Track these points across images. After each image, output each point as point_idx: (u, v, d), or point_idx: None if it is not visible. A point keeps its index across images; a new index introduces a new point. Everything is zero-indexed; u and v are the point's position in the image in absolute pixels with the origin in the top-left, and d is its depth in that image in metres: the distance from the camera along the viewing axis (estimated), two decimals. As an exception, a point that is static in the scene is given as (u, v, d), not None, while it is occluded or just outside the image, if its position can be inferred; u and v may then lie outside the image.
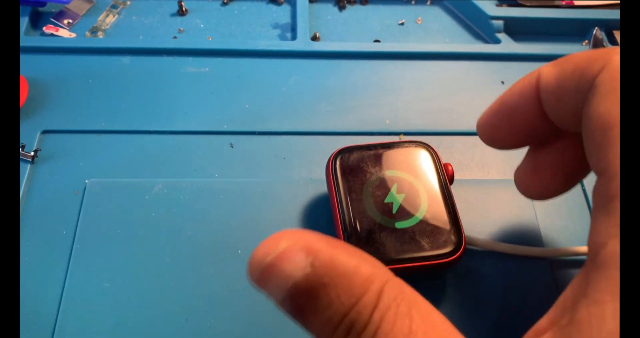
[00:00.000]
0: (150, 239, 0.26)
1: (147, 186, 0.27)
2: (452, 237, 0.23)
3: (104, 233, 0.26)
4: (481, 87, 0.33)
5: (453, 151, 0.30)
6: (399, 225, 0.23)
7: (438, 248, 0.23)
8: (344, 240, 0.23)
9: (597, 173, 0.16)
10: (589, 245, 0.15)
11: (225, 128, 0.30)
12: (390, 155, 0.25)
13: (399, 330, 0.13)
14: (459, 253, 0.23)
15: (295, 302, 0.14)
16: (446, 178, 0.25)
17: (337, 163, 0.25)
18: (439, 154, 0.26)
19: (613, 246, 0.13)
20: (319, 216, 0.27)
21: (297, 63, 0.33)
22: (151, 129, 0.30)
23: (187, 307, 0.24)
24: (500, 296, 0.25)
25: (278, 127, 0.30)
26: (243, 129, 0.30)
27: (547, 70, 0.19)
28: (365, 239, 0.23)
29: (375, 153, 0.25)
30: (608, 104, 0.15)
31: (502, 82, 0.34)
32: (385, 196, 0.24)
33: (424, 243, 0.23)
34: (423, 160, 0.25)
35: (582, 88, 0.17)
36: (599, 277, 0.13)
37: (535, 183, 0.22)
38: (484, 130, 0.22)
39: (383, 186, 0.24)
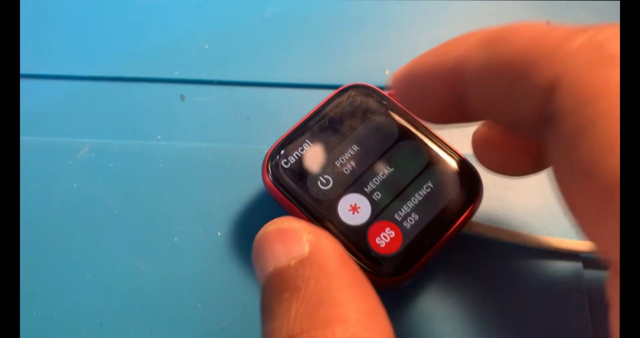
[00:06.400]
0: (68, 217, 0.21)
1: (71, 148, 0.22)
2: (461, 169, 0.18)
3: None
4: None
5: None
6: (403, 198, 0.18)
7: (457, 191, 0.18)
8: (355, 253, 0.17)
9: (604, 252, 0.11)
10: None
11: (175, 74, 0.24)
12: (333, 126, 0.19)
13: None
14: (480, 185, 0.18)
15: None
16: (406, 110, 0.19)
17: (277, 173, 0.18)
18: (382, 91, 0.20)
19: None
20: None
21: (277, -10, 0.26)
22: (83, 74, 0.24)
23: (103, 307, 0.19)
24: (520, 298, 0.19)
25: (244, 75, 0.24)
26: (198, 77, 0.24)
27: (473, 54, 0.14)
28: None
29: (312, 132, 0.19)
30: (615, 159, 0.10)
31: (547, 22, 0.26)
32: (364, 176, 0.18)
33: (440, 198, 0.18)
34: (370, 108, 0.19)
35: (516, 95, 0.13)
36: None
37: (495, 157, 0.18)
38: (399, 95, 0.17)
39: (353, 166, 0.18)
